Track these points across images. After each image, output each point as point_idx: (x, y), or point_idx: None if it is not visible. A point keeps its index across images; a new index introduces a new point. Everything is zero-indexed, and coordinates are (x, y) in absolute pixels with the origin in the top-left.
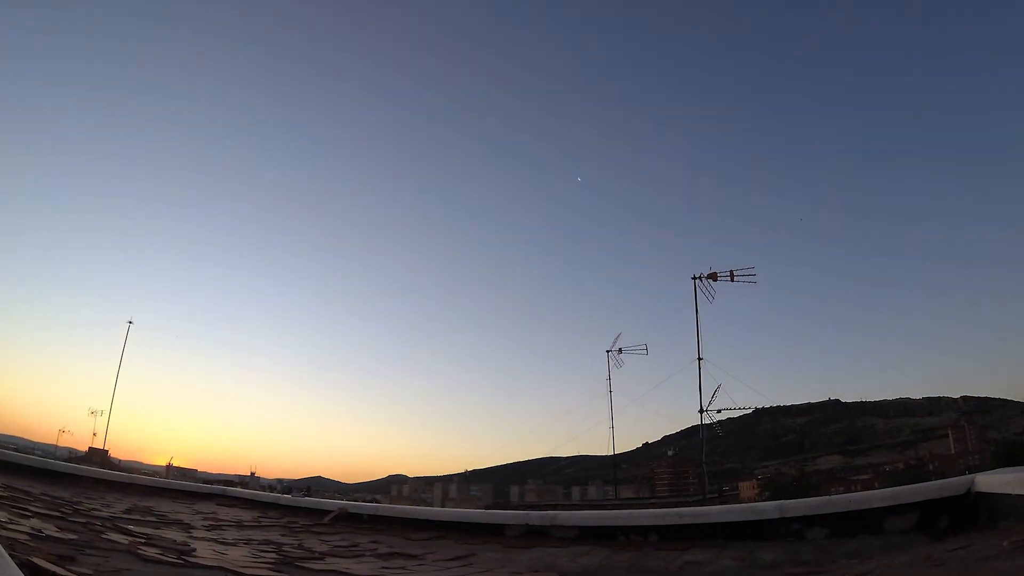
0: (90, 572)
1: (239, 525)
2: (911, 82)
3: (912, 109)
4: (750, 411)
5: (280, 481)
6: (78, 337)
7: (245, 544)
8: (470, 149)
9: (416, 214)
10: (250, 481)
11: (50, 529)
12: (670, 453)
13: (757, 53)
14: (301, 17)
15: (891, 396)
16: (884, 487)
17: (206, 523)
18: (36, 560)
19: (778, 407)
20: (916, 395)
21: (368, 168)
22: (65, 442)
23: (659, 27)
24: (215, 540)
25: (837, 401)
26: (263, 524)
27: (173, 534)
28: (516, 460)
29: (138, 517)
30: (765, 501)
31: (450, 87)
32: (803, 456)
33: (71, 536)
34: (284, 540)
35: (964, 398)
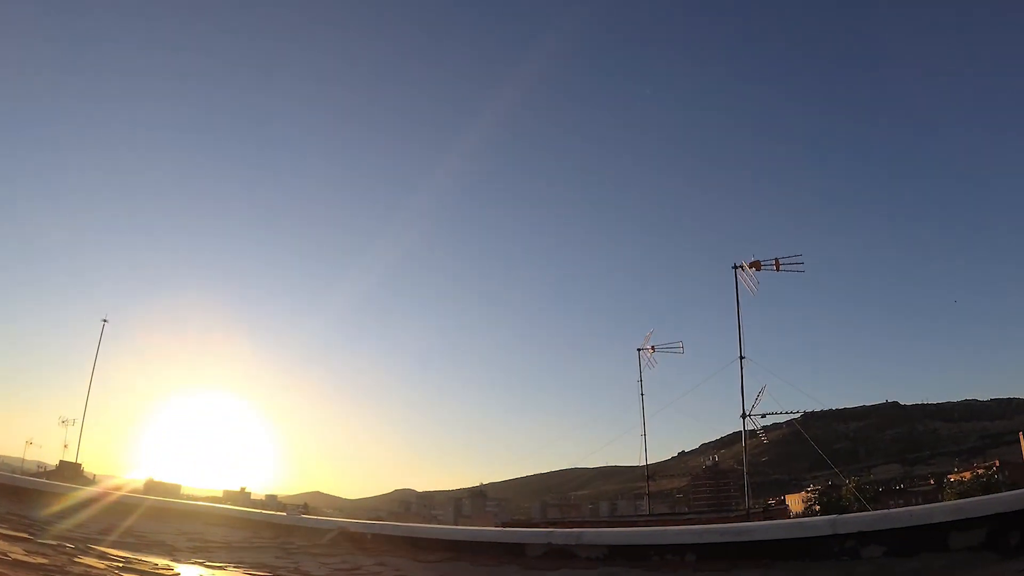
0: None
1: (229, 546)
2: (989, 61)
3: (990, 92)
4: (798, 415)
5: (274, 497)
6: (47, 337)
7: (236, 567)
8: (484, 134)
9: (421, 207)
10: (240, 497)
11: (17, 552)
12: (709, 463)
13: (812, 28)
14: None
15: (955, 398)
16: (948, 499)
17: (191, 544)
18: None
19: (829, 411)
20: (983, 396)
21: (371, 163)
22: (33, 455)
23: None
24: (202, 563)
25: (895, 404)
26: (255, 545)
27: (155, 557)
28: (537, 472)
29: (115, 538)
30: (816, 516)
31: (472, 74)
32: (858, 466)
33: (40, 560)
34: (279, 563)
35: None
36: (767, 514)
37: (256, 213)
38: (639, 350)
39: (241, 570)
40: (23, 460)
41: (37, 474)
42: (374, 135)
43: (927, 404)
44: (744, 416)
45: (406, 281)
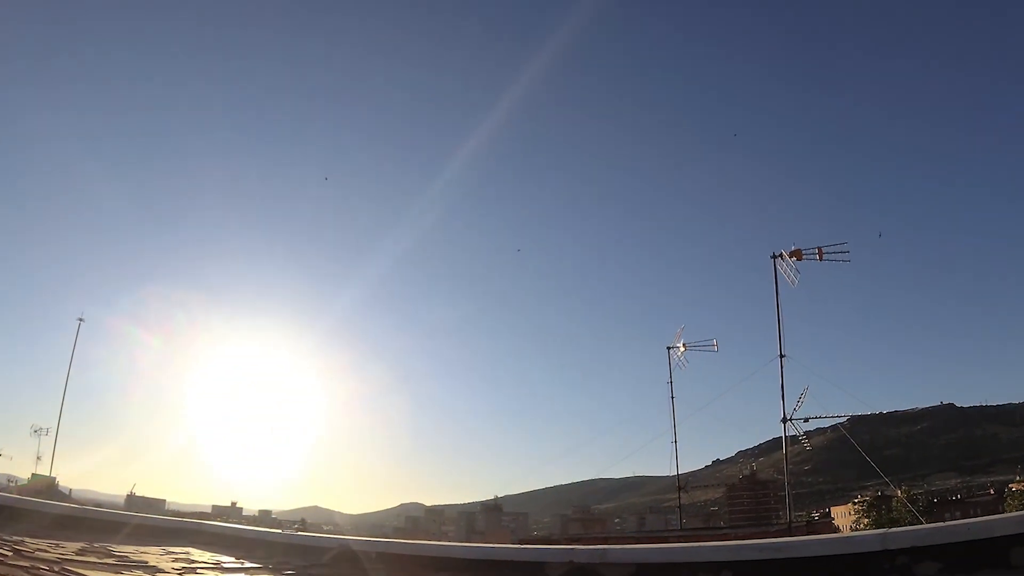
0: None
1: (218, 568)
2: None
3: None
4: (844, 420)
5: (267, 513)
6: (16, 338)
7: None
8: (503, 124)
9: (430, 202)
10: (231, 513)
11: None
12: (746, 472)
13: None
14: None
15: (1017, 399)
16: (1010, 511)
17: (177, 566)
18: None
19: (879, 415)
20: None
21: (379, 157)
22: (2, 468)
23: None
24: None
25: (951, 406)
26: (248, 567)
27: None
28: (557, 483)
29: (94, 560)
30: (864, 530)
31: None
32: (910, 474)
33: None
34: None
35: None
36: (811, 528)
37: (254, 212)
38: (669, 348)
39: None
40: None
41: (7, 489)
42: (383, 127)
43: (986, 406)
44: (785, 420)
45: (411, 278)
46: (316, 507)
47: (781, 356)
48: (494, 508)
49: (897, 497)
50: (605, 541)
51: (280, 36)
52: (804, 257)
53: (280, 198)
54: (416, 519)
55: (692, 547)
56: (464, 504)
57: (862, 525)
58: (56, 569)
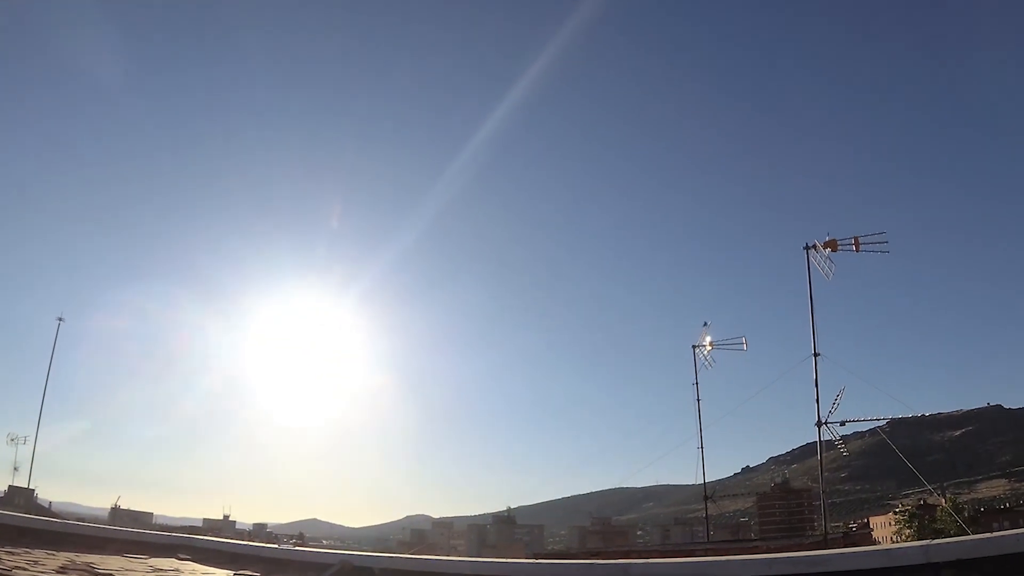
0: None
1: None
2: None
3: None
4: (884, 423)
5: (263, 526)
6: None
7: None
8: (518, 112)
9: (438, 199)
10: (224, 527)
11: None
12: (778, 480)
13: None
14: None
15: None
16: None
17: None
18: None
19: (921, 418)
20: None
21: (391, 159)
22: None
23: None
24: None
25: (999, 408)
26: None
27: None
28: (574, 493)
29: None
30: (906, 542)
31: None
32: (956, 481)
33: None
34: None
35: None
36: (848, 540)
37: (251, 206)
38: (694, 347)
39: None
40: None
41: None
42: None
43: None
44: (819, 424)
45: (417, 274)
46: (315, 520)
47: (815, 355)
48: (507, 520)
49: (941, 506)
50: (627, 555)
51: None
52: (840, 248)
53: (279, 195)
54: (423, 532)
55: (721, 561)
56: (474, 516)
57: (903, 537)
58: None
